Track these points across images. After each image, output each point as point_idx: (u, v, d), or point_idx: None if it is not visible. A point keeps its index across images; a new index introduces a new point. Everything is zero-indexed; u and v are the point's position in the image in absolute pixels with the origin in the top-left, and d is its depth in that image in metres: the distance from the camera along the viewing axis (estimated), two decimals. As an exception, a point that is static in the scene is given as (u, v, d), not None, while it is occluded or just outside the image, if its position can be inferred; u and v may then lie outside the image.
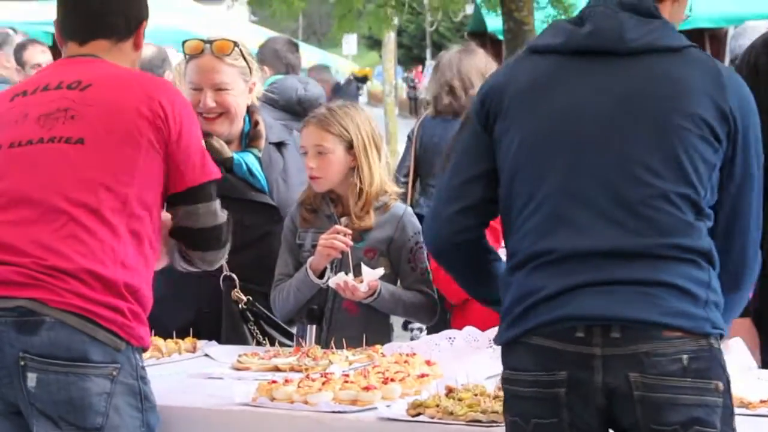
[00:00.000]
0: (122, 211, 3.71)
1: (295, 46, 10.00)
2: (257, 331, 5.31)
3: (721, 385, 3.09)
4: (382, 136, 5.32)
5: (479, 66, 7.69)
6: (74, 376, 3.62)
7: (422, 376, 4.11)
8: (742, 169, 3.26)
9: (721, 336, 3.18)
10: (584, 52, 3.37)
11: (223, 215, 4.04)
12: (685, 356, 3.05)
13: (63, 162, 3.75)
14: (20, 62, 10.00)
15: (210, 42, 5.21)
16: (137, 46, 4.09)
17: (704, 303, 3.11)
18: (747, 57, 4.53)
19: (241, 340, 5.22)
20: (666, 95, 3.22)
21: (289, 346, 5.02)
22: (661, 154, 3.17)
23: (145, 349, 3.89)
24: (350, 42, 25.43)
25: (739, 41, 11.33)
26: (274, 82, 8.10)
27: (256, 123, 5.47)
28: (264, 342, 5.20)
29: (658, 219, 3.13)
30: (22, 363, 3.60)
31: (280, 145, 5.53)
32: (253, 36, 14.88)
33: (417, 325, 6.68)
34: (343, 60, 21.32)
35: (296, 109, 7.95)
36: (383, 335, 4.89)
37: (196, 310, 5.17)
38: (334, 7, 17.90)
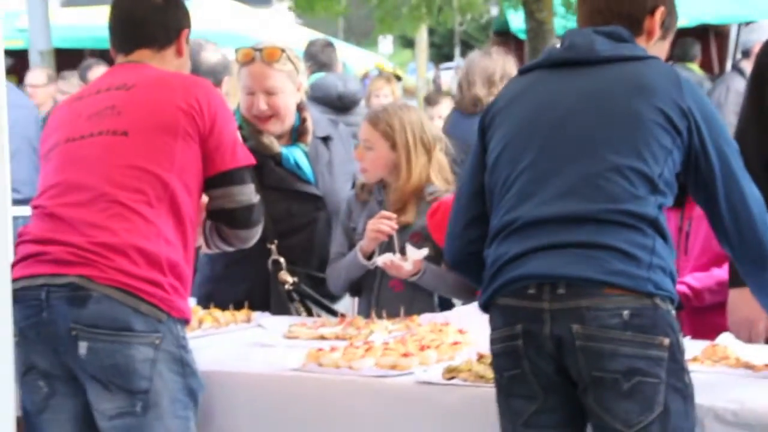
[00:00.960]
0: (164, 193, 3.79)
1: (332, 47, 9.99)
2: (303, 310, 5.30)
3: (666, 341, 3.18)
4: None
5: (487, 67, 7.68)
6: (119, 344, 3.69)
7: (455, 343, 4.12)
8: (718, 159, 3.34)
9: (672, 300, 3.27)
10: (561, 64, 3.56)
11: (254, 197, 4.05)
12: (625, 312, 3.16)
13: (109, 151, 3.85)
14: (85, 80, 10.08)
15: (260, 50, 5.25)
16: (180, 52, 4.14)
17: (647, 266, 3.20)
18: (761, 55, 4.52)
19: None
20: (630, 89, 3.35)
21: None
22: (621, 134, 3.31)
23: (187, 321, 3.93)
24: (386, 42, 25.51)
25: (751, 36, 11.28)
26: (316, 81, 8.11)
27: (305, 119, 5.47)
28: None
29: (610, 189, 3.24)
30: (74, 333, 3.68)
31: (326, 139, 5.53)
32: (299, 37, 14.85)
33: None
34: (379, 57, 21.37)
35: (337, 104, 7.97)
36: (427, 311, 4.83)
37: (247, 290, 5.17)
38: (374, 10, 17.93)
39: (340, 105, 8.06)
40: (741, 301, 4.29)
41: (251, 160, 4.05)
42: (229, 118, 4.04)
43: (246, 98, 5.28)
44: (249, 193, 4.01)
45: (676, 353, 3.20)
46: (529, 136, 3.47)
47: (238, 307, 4.91)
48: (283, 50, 5.25)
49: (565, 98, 3.46)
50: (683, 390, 3.23)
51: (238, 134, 4.07)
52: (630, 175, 3.24)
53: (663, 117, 3.27)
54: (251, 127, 5.31)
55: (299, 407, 3.90)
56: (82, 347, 3.66)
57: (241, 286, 5.26)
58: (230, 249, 4.24)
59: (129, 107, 3.88)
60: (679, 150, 3.29)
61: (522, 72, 3.90)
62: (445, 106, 7.05)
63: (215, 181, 3.93)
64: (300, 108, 5.48)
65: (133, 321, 3.68)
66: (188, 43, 4.19)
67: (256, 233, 4.13)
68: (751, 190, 3.39)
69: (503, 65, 7.86)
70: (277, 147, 5.34)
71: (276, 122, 5.29)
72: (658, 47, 3.60)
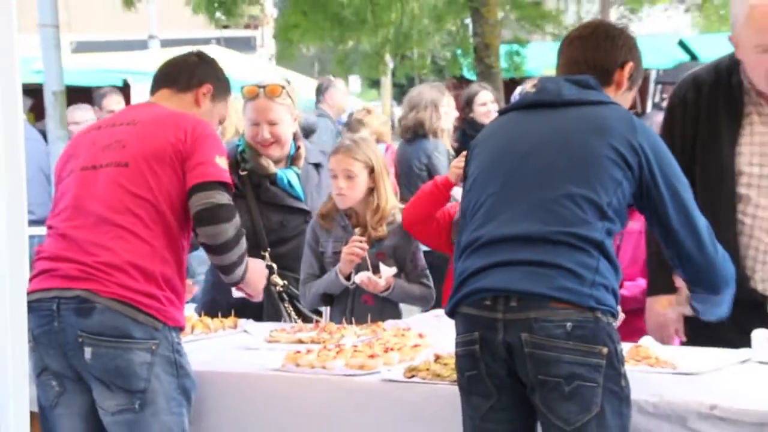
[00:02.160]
0: (157, 216, 3.85)
1: (289, 84, 9.98)
2: (291, 309, 5.36)
3: (605, 350, 3.21)
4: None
5: (434, 97, 7.75)
6: (120, 350, 3.74)
7: (415, 346, 4.14)
8: (667, 190, 3.37)
9: (613, 314, 3.30)
10: (532, 106, 3.65)
11: (222, 199, 3.90)
12: (569, 323, 3.19)
13: (112, 181, 3.89)
14: (100, 106, 10.09)
15: (263, 87, 5.32)
16: (197, 103, 4.17)
17: (590, 283, 3.23)
18: (677, 91, 4.51)
19: (279, 317, 5.26)
20: (588, 129, 3.40)
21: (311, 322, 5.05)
22: (576, 167, 3.35)
23: (181, 329, 3.96)
24: (355, 82, 25.56)
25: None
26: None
27: (299, 147, 5.59)
28: (296, 320, 5.24)
29: (562, 213, 3.29)
30: (80, 340, 3.73)
31: (317, 165, 5.62)
32: (278, 76, 14.88)
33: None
34: (349, 96, 21.40)
35: (304, 132, 8.12)
36: (394, 318, 4.90)
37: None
38: (333, 53, 18.02)
39: (304, 132, 8.22)
40: (656, 306, 4.36)
41: (221, 178, 3.93)
42: (211, 146, 3.97)
43: (251, 128, 5.37)
44: (216, 196, 3.89)
45: (613, 360, 3.23)
46: (498, 166, 3.54)
47: (236, 310, 4.95)
48: (283, 87, 5.33)
49: (531, 135, 3.52)
50: (619, 393, 3.26)
51: (222, 161, 3.99)
52: (581, 202, 3.28)
53: (615, 153, 3.31)
54: (252, 152, 5.41)
55: (279, 402, 3.93)
56: (88, 352, 3.72)
57: None
58: (222, 266, 4.06)
59: (131, 141, 3.93)
60: (630, 182, 3.34)
61: (501, 112, 4.01)
62: (365, 133, 7.11)
63: (191, 192, 3.87)
64: (295, 137, 5.57)
65: (132, 329, 3.73)
66: (212, 100, 4.22)
67: (222, 231, 3.92)
68: (700, 220, 3.44)
69: (442, 94, 7.96)
70: (273, 168, 5.43)
71: (276, 148, 5.38)
72: (624, 97, 3.64)
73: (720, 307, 3.71)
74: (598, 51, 3.61)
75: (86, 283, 3.72)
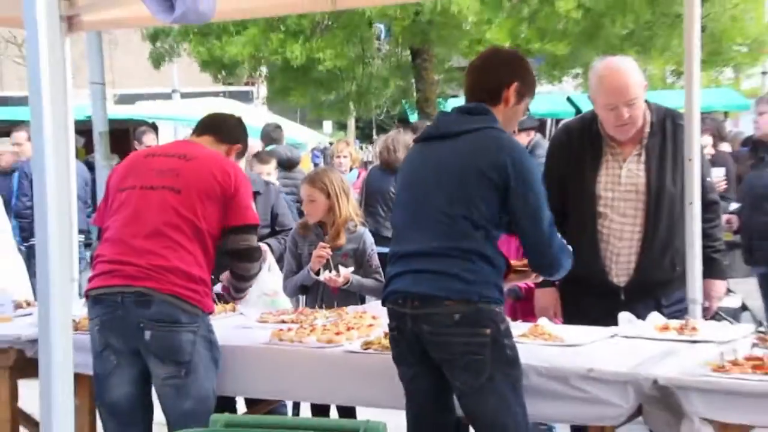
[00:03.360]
0: (197, 234, 3.86)
1: (280, 128, 10.13)
2: None
3: (488, 331, 3.26)
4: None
5: (405, 140, 7.71)
6: (172, 332, 3.75)
7: (370, 325, 4.12)
8: (529, 200, 3.35)
9: (496, 302, 3.33)
10: (430, 138, 3.60)
11: (255, 243, 4.13)
12: (456, 315, 3.25)
13: (166, 202, 3.85)
14: (140, 141, 9.96)
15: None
16: (228, 155, 4.19)
17: (474, 283, 3.27)
18: (556, 134, 4.60)
19: None
20: (465, 154, 3.36)
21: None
22: (456, 190, 3.34)
23: (211, 313, 3.97)
24: (328, 125, 25.63)
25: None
26: (271, 149, 8.20)
27: None
28: None
29: (449, 231, 3.32)
30: (141, 325, 3.73)
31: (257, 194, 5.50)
32: (269, 119, 14.75)
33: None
34: (323, 136, 21.51)
35: (285, 165, 8.08)
36: (354, 304, 4.86)
37: None
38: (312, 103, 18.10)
39: (287, 165, 8.20)
40: (541, 295, 4.43)
41: (257, 220, 4.12)
42: (247, 189, 4.09)
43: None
44: (251, 239, 4.07)
45: (497, 337, 3.28)
46: (407, 191, 3.58)
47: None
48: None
49: (427, 164, 3.51)
50: (505, 360, 3.30)
51: (253, 204, 4.15)
52: (459, 220, 3.31)
53: (483, 173, 3.30)
54: None
55: (268, 368, 3.92)
56: (147, 334, 3.74)
57: None
58: (239, 288, 4.31)
59: (185, 173, 3.90)
60: (497, 194, 3.31)
61: (414, 142, 4.01)
62: (272, 165, 7.02)
63: (235, 229, 3.98)
64: None
65: (180, 316, 3.76)
66: (237, 157, 4.29)
67: (252, 267, 4.19)
68: (544, 222, 3.40)
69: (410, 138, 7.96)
70: None
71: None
72: (514, 110, 3.53)
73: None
74: (487, 75, 3.54)
75: (145, 281, 3.74)
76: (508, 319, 3.51)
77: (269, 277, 5.16)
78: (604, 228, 4.16)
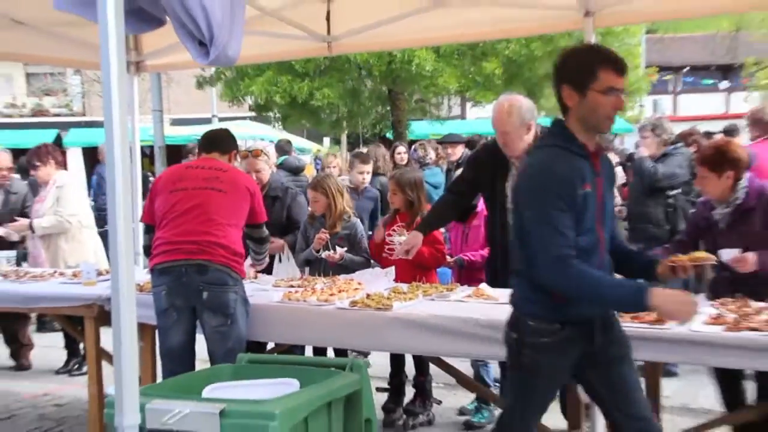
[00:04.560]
0: (235, 220, 3.92)
1: (290, 143, 10.17)
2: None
3: None
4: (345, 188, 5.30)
5: (382, 152, 7.69)
6: (222, 292, 3.76)
7: (356, 289, 4.07)
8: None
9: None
10: None
11: (266, 233, 4.27)
12: None
13: (213, 198, 3.87)
14: (189, 155, 9.90)
15: (251, 151, 5.15)
16: (230, 159, 4.19)
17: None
18: (475, 151, 4.53)
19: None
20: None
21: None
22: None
23: (244, 278, 3.97)
24: (326, 140, 25.60)
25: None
26: (284, 159, 8.20)
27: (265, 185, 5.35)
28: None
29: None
30: (200, 288, 3.74)
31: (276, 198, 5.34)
32: (282, 135, 14.85)
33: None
34: (323, 148, 21.59)
35: (294, 171, 8.04)
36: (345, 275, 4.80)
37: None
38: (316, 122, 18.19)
39: (296, 170, 8.14)
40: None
41: (266, 218, 4.19)
42: (260, 195, 4.14)
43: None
44: (264, 231, 4.23)
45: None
46: None
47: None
48: (262, 151, 5.18)
49: None
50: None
51: (262, 203, 4.18)
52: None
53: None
54: None
55: (280, 320, 3.87)
56: (205, 294, 3.74)
57: None
58: (259, 255, 4.40)
59: (224, 179, 3.93)
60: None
61: None
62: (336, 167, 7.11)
63: (254, 225, 4.12)
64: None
65: (228, 280, 3.77)
66: (234, 159, 4.25)
67: (266, 248, 4.39)
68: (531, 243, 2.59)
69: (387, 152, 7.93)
70: None
71: (259, 186, 4.96)
72: (584, 106, 2.51)
73: None
74: (554, 90, 2.65)
75: (202, 255, 3.74)
76: None
77: (289, 266, 5.06)
78: (510, 220, 4.10)
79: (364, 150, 9.05)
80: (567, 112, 2.59)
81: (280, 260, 5.03)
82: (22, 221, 5.80)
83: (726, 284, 3.63)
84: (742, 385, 3.75)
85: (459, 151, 7.10)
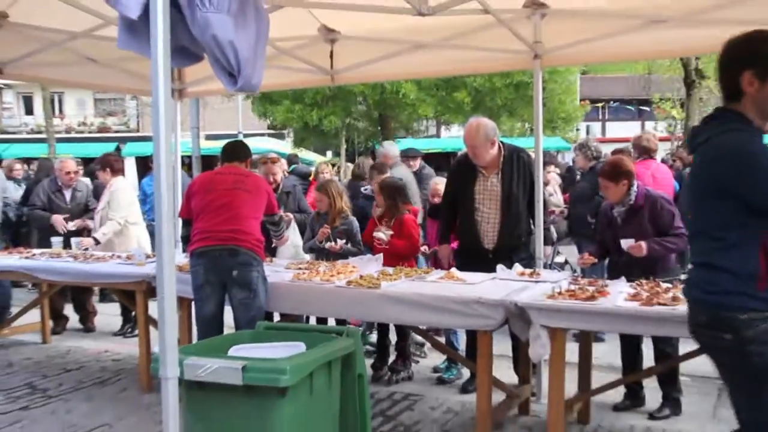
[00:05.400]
0: (258, 212, 3.88)
1: (297, 156, 10.25)
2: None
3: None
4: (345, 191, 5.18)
5: (369, 162, 7.62)
6: (248, 271, 3.69)
7: (351, 271, 4.02)
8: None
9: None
10: (692, 151, 2.12)
11: (279, 218, 4.17)
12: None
13: (241, 197, 3.80)
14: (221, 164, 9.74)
15: (270, 158, 5.18)
16: (246, 166, 4.08)
17: None
18: (455, 161, 4.44)
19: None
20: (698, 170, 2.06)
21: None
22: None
23: (264, 261, 3.90)
24: (328, 153, 25.48)
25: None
26: (295, 168, 8.15)
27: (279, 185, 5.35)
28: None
29: None
30: (231, 267, 3.67)
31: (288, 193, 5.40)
32: (291, 149, 14.93)
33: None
34: (326, 159, 21.59)
35: (303, 176, 8.00)
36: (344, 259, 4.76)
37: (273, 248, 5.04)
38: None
39: (304, 176, 8.10)
40: (441, 250, 4.31)
41: (277, 210, 4.12)
42: (272, 193, 4.07)
43: (265, 176, 5.04)
44: (277, 216, 4.14)
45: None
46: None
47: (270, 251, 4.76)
48: (279, 157, 5.17)
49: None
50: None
51: (275, 198, 4.11)
52: None
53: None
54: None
55: (291, 295, 3.79)
56: (234, 273, 3.67)
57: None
58: (277, 234, 4.34)
59: (248, 182, 3.87)
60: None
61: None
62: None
63: (269, 216, 4.04)
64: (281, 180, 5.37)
65: (253, 261, 3.69)
66: (249, 167, 4.13)
67: (283, 227, 4.31)
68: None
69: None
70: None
71: (275, 185, 5.13)
72: (765, 93, 1.93)
73: None
74: (722, 74, 2.00)
75: (233, 242, 3.68)
76: None
77: (292, 234, 5.08)
78: (478, 216, 4.08)
79: (359, 160, 9.02)
80: (739, 98, 1.95)
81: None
82: (89, 240, 5.61)
83: (624, 266, 3.71)
84: (641, 350, 3.85)
85: (418, 163, 7.08)
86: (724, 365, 1.94)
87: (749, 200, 1.84)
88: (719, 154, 1.89)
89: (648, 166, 5.46)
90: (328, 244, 4.75)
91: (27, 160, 12.22)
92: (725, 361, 1.92)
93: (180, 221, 4.31)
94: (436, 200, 4.94)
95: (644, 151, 5.55)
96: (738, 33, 1.96)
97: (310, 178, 8.15)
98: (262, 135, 20.42)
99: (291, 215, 5.07)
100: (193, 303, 3.91)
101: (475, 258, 4.05)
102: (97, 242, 5.57)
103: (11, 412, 3.92)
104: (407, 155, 6.94)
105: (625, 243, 3.65)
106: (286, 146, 17.68)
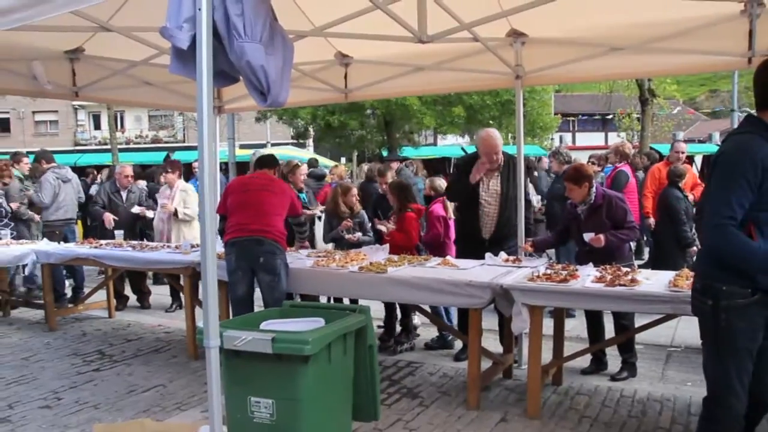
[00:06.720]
0: (282, 211, 3.82)
1: (317, 160, 10.00)
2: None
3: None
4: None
5: (380, 166, 7.59)
6: (273, 259, 3.65)
7: (362, 258, 4.02)
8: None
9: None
10: None
11: (303, 219, 4.25)
12: None
13: (267, 197, 3.78)
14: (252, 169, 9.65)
15: (295, 165, 5.19)
16: (274, 173, 4.06)
17: None
18: (459, 160, 4.46)
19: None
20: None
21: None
22: None
23: (286, 250, 3.89)
24: (342, 159, 25.35)
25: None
26: (311, 171, 8.12)
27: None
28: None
29: None
30: (258, 255, 3.64)
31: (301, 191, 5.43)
32: (312, 155, 14.75)
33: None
34: (341, 164, 21.52)
35: (319, 178, 7.97)
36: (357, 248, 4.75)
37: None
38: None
39: (319, 178, 8.06)
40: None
41: (301, 211, 4.11)
42: (295, 196, 4.02)
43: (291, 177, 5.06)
44: (302, 218, 4.21)
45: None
46: None
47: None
48: (299, 162, 5.15)
49: None
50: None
51: (298, 200, 4.10)
52: None
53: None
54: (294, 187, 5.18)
55: (311, 279, 3.77)
56: (261, 259, 3.64)
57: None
58: (300, 231, 4.38)
59: (274, 185, 3.86)
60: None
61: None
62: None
63: (294, 216, 4.04)
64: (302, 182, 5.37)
65: (276, 251, 3.69)
66: (276, 174, 4.06)
67: (306, 226, 4.36)
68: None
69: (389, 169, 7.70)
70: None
71: (297, 187, 5.08)
72: None
73: None
74: (757, 86, 1.99)
75: (260, 234, 3.65)
76: None
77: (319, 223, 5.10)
78: (480, 211, 4.06)
79: (368, 165, 8.97)
80: (766, 107, 1.93)
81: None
82: (170, 206, 5.73)
83: (586, 255, 3.72)
84: (603, 324, 3.86)
85: (395, 165, 7.16)
86: (701, 325, 2.01)
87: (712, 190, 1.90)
88: (722, 150, 1.95)
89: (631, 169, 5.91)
90: (348, 236, 4.78)
91: (97, 168, 12.40)
92: (703, 323, 2.00)
93: (218, 216, 4.32)
94: (432, 193, 4.94)
95: (624, 156, 6.12)
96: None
97: (326, 180, 8.17)
98: (286, 144, 20.41)
99: (312, 212, 5.07)
100: (227, 285, 3.93)
101: (473, 246, 4.06)
102: (176, 213, 5.70)
103: (86, 373, 4.02)
104: (388, 159, 7.08)
105: (587, 236, 3.67)
106: (307, 153, 17.66)
